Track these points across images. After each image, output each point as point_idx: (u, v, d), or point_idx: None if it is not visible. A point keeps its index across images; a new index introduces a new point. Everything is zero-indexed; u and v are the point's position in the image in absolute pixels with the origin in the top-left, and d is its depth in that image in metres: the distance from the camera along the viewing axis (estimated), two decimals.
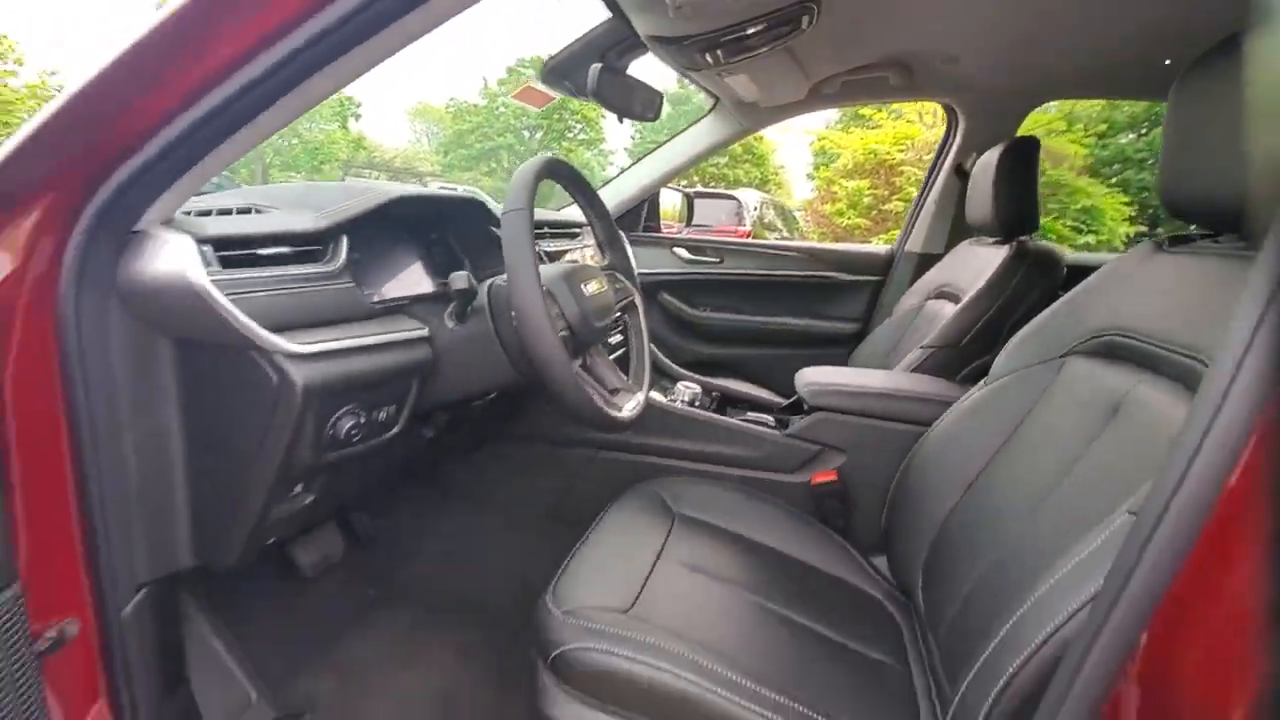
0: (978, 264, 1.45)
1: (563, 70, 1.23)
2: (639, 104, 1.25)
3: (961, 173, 1.76)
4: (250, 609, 1.07)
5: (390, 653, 1.16)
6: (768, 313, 2.05)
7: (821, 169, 8.91)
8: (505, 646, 1.18)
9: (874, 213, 6.98)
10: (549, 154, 0.94)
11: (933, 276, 1.69)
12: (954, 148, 1.79)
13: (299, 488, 0.81)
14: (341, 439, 0.79)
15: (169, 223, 0.67)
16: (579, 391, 0.82)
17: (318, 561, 1.15)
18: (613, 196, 1.99)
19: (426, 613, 1.24)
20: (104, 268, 0.64)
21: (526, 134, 23.88)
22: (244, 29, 0.55)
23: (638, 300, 1.16)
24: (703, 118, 1.84)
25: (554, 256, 1.31)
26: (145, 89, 0.58)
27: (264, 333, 0.68)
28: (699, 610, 0.83)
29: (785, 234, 9.38)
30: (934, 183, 1.87)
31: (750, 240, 2.72)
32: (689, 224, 2.46)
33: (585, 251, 1.53)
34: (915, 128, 7.10)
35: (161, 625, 0.77)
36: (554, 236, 1.44)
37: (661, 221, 2.36)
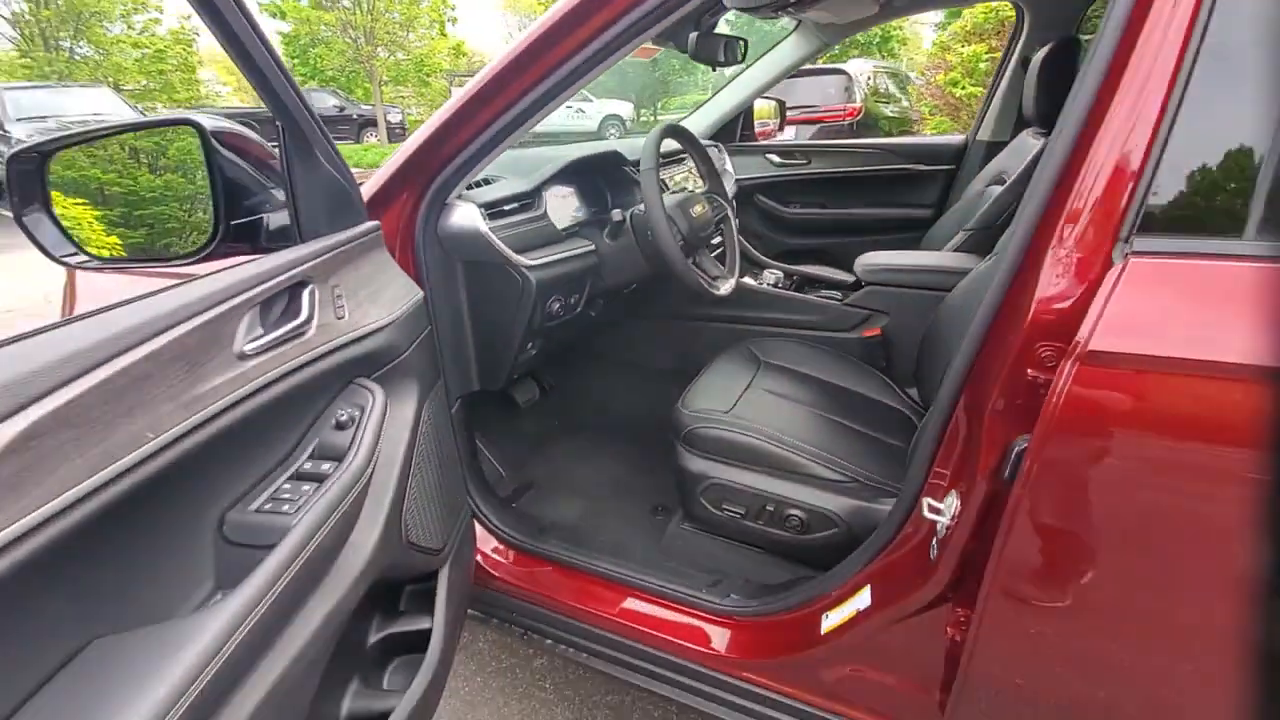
0: (1026, 152, 1.70)
1: (667, 33, 1.61)
2: (730, 54, 1.60)
3: (1027, 65, 1.94)
4: (493, 426, 1.71)
5: (575, 454, 1.78)
6: (850, 205, 2.37)
7: (941, 29, 8.16)
8: (647, 452, 1.76)
9: (990, 79, 6.47)
10: (666, 124, 1.38)
11: (995, 163, 1.93)
12: (1021, 42, 1.95)
13: (530, 345, 1.38)
14: (553, 314, 1.34)
15: (461, 196, 1.19)
16: (691, 277, 1.30)
17: (526, 399, 1.77)
18: (712, 112, 2.34)
19: (594, 434, 1.86)
20: (432, 223, 1.18)
21: None
22: (512, 90, 1.03)
23: (730, 214, 1.59)
24: (787, 37, 2.11)
25: (669, 180, 1.76)
26: (452, 135, 1.08)
27: (515, 255, 1.20)
28: (775, 414, 1.32)
29: (906, 103, 8.81)
30: (1004, 75, 2.05)
31: (831, 142, 2.93)
32: (782, 128, 2.74)
33: (688, 170, 1.95)
34: None
35: (467, 423, 1.38)
36: (667, 165, 1.87)
37: (756, 121, 2.66)
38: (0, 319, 4.33)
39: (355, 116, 15.67)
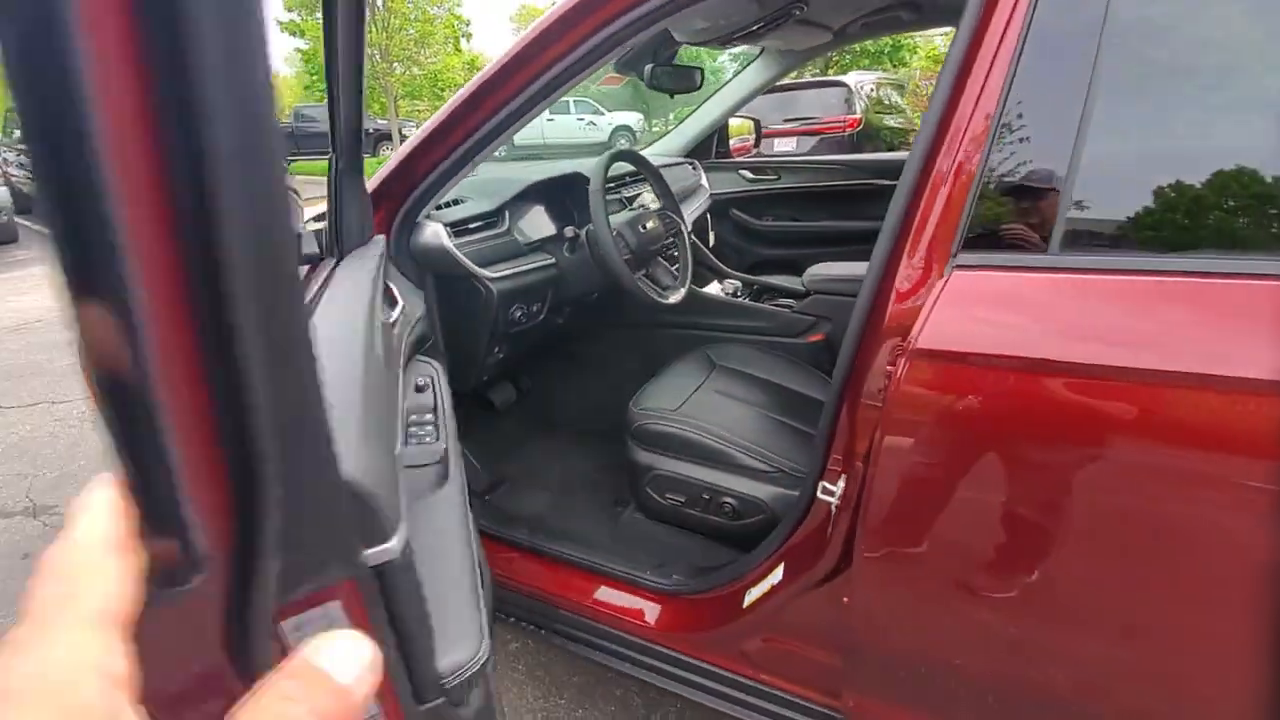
0: None
1: (629, 64, 1.75)
2: (684, 83, 1.75)
3: None
4: (473, 427, 1.85)
5: (548, 452, 1.91)
6: (819, 218, 2.48)
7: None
8: (615, 450, 1.88)
9: None
10: (617, 149, 1.52)
11: None
12: None
13: (496, 349, 1.52)
14: (515, 321, 1.47)
15: (430, 216, 1.33)
16: (637, 288, 1.43)
17: (503, 401, 1.91)
18: (687, 131, 2.48)
19: (566, 433, 1.99)
20: (405, 241, 1.32)
21: None
22: (468, 124, 1.17)
23: (683, 229, 1.72)
24: (753, 61, 2.25)
25: (633, 198, 1.90)
26: (421, 159, 1.22)
27: (478, 269, 1.34)
28: (719, 411, 1.44)
29: (910, 114, 8.89)
30: None
31: (799, 157, 3.06)
32: (758, 144, 2.86)
33: (649, 189, 2.08)
34: None
35: None
36: (633, 184, 2.00)
37: (735, 138, 2.79)
38: (34, 329, 4.57)
39: (371, 131, 16.08)
